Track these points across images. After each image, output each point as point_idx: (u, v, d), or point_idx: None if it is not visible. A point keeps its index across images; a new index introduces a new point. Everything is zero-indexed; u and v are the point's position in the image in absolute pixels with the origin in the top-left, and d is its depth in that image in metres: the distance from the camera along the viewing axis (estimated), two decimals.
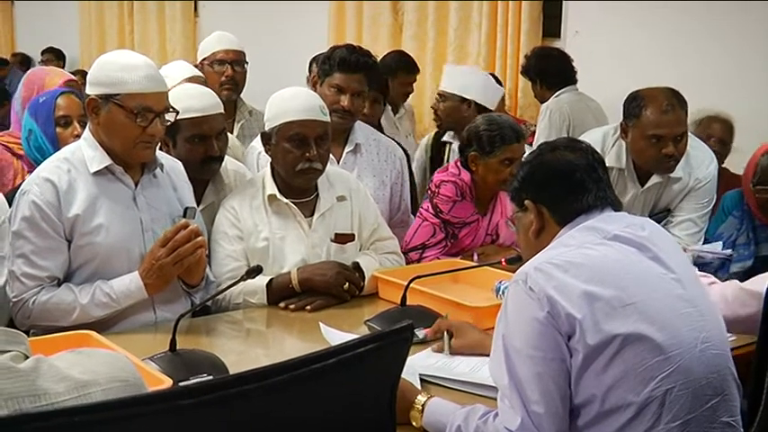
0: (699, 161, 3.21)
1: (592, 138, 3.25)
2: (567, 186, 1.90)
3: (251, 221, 2.73)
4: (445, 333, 2.27)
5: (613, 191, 1.95)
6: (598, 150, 3.13)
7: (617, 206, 1.93)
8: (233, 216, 2.73)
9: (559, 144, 2.02)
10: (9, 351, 1.19)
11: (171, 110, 2.46)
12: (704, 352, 1.74)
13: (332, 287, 2.68)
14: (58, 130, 2.95)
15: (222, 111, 2.87)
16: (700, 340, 1.74)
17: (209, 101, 2.84)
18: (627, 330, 1.69)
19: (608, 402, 1.70)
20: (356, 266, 2.77)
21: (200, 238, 2.43)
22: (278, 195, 2.74)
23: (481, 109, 3.99)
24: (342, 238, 2.81)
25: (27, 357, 1.20)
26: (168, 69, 3.47)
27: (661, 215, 3.25)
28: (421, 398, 1.89)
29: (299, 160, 2.68)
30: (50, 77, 3.21)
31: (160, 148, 2.76)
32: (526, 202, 1.95)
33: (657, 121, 2.99)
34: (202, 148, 2.78)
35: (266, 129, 2.75)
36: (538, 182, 1.95)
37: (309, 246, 2.76)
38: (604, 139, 3.21)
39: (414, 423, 1.88)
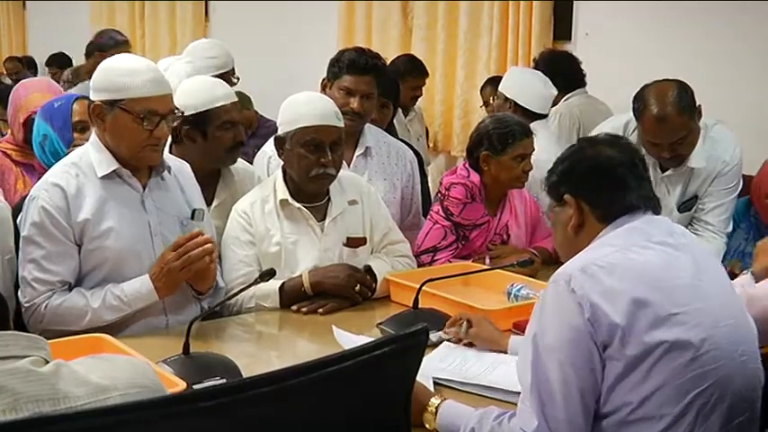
0: (723, 147, 3.15)
1: (614, 123, 3.23)
2: (608, 182, 1.86)
3: (263, 226, 2.74)
4: (465, 322, 2.28)
5: (654, 192, 1.91)
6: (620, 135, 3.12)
7: (658, 209, 1.89)
8: (245, 221, 2.74)
9: (600, 139, 1.98)
10: (30, 356, 1.20)
11: (176, 111, 2.48)
12: (744, 365, 1.72)
13: (343, 290, 2.69)
14: (75, 135, 2.94)
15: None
16: (738, 353, 1.73)
17: (229, 89, 2.95)
18: (668, 340, 1.66)
19: (641, 411, 1.67)
20: (368, 269, 2.78)
21: (209, 245, 2.44)
22: (290, 200, 2.75)
23: (526, 112, 3.93)
24: (354, 242, 2.82)
25: (47, 362, 1.21)
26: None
27: (690, 203, 3.22)
28: (434, 400, 1.89)
29: (314, 166, 2.69)
30: (29, 101, 3.20)
31: (175, 144, 2.78)
32: (566, 196, 1.89)
33: (651, 131, 2.96)
34: (231, 133, 2.84)
35: (280, 133, 2.76)
36: (578, 176, 1.90)
37: (322, 250, 2.76)
38: (627, 124, 3.18)
39: (427, 425, 1.88)
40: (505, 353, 2.23)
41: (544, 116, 3.93)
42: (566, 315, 1.70)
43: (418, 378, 1.52)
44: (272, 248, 2.73)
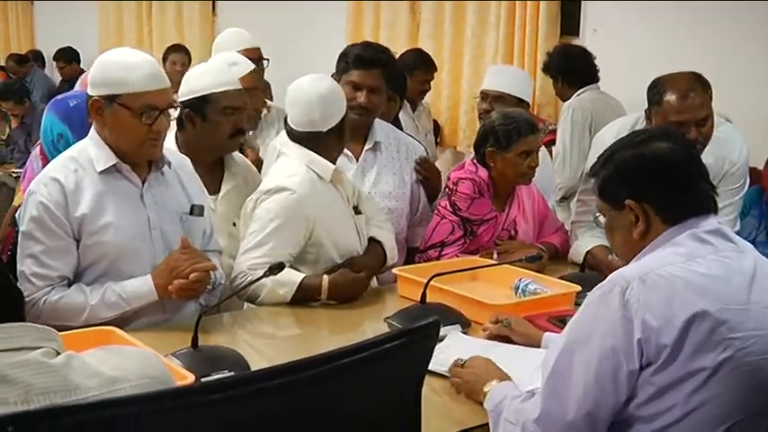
0: (730, 145, 3.13)
1: (620, 125, 3.22)
2: (673, 180, 1.75)
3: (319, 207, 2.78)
4: (505, 320, 2.30)
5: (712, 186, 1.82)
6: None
7: (717, 208, 1.80)
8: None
9: (656, 134, 1.85)
10: (41, 347, 1.20)
11: (174, 105, 2.48)
12: None
13: (356, 297, 2.74)
14: None
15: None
16: None
17: (235, 76, 2.94)
18: (716, 365, 1.60)
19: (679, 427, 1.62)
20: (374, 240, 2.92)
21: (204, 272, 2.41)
22: (336, 168, 2.84)
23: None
24: (356, 209, 2.93)
25: (58, 353, 1.22)
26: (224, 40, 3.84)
27: None
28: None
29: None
30: None
31: (178, 131, 2.80)
32: (627, 201, 1.75)
33: (678, 107, 2.92)
34: (232, 120, 2.82)
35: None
36: (640, 177, 1.76)
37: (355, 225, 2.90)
38: (634, 125, 3.17)
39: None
40: (538, 347, 2.22)
41: None
42: (609, 328, 1.62)
43: None
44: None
